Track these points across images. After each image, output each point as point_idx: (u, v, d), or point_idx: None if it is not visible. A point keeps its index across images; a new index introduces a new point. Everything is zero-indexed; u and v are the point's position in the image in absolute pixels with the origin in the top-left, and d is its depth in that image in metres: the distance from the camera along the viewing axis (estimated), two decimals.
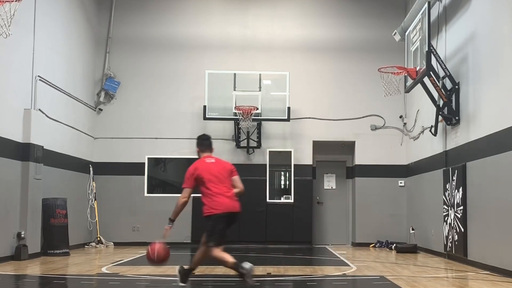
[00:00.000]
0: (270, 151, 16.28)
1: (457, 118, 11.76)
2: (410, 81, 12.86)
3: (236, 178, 8.28)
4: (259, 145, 16.16)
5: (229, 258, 7.24)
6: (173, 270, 10.01)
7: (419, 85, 12.47)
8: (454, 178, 11.72)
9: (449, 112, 11.95)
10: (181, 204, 7.56)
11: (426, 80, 12.08)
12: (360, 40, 16.54)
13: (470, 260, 10.88)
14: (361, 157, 16.41)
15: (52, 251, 12.50)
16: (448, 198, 12.12)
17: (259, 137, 16.15)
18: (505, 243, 9.31)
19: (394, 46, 15.35)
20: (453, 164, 11.93)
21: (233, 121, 15.91)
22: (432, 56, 11.60)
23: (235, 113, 15.51)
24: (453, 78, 11.85)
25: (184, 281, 7.60)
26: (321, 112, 16.46)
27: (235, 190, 8.20)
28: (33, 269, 10.19)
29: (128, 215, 15.98)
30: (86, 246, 15.11)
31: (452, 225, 11.80)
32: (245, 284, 6.99)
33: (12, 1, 8.44)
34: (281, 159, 16.29)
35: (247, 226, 15.89)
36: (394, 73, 12.81)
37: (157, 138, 16.33)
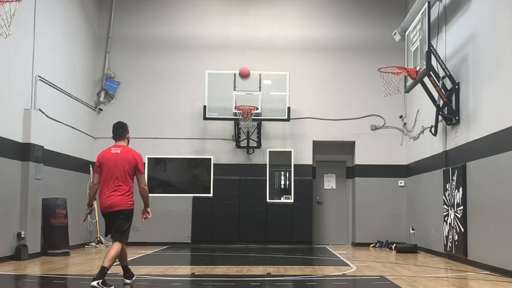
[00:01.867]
0: (270, 151, 16.28)
1: (457, 118, 11.76)
2: (410, 81, 12.87)
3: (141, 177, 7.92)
4: (259, 145, 16.16)
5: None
6: (172, 270, 10.03)
7: (419, 85, 12.47)
8: (454, 178, 11.72)
9: (449, 112, 11.95)
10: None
11: (426, 80, 12.08)
12: (360, 40, 16.54)
13: (470, 260, 10.88)
14: (361, 157, 16.41)
15: (52, 251, 12.50)
16: (448, 198, 12.12)
17: (259, 137, 16.15)
18: (505, 243, 9.31)
19: (394, 46, 15.36)
20: (453, 164, 11.93)
21: (233, 121, 15.91)
22: (432, 56, 11.60)
23: (235, 113, 15.52)
24: (453, 78, 11.85)
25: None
26: (321, 112, 16.46)
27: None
28: (33, 269, 10.19)
29: None
30: (86, 246, 15.11)
31: (452, 225, 11.80)
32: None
33: (12, 1, 8.44)
34: (281, 159, 16.29)
35: (247, 226, 15.91)
36: (394, 73, 12.81)
37: (157, 138, 16.33)
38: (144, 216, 8.22)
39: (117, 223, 7.73)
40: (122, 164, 7.68)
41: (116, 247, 7.59)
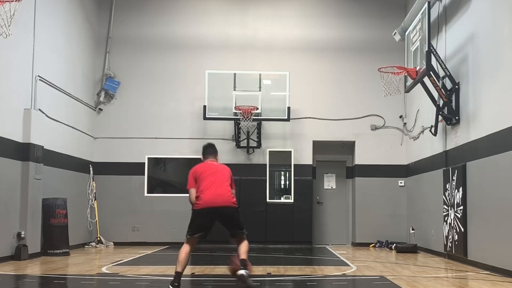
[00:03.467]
0: (270, 151, 16.28)
1: (457, 118, 11.76)
2: (410, 81, 12.87)
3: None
4: (259, 145, 16.16)
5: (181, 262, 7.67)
6: (172, 270, 10.02)
7: (419, 85, 12.47)
8: (454, 178, 11.72)
9: (449, 112, 11.95)
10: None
11: (426, 80, 12.08)
12: (360, 40, 16.54)
13: (470, 260, 10.88)
14: (361, 157, 16.41)
15: (52, 251, 12.50)
16: (448, 198, 12.12)
17: (259, 137, 16.15)
18: (505, 243, 9.31)
19: (394, 46, 15.36)
20: (453, 164, 11.93)
21: (233, 121, 15.91)
22: (432, 56, 11.60)
23: (235, 113, 15.52)
24: (453, 78, 11.85)
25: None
26: (321, 112, 16.46)
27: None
28: (33, 269, 10.19)
29: (128, 215, 15.98)
30: (86, 246, 15.11)
31: (452, 225, 11.80)
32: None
33: (12, 1, 8.44)
34: (281, 159, 16.29)
35: (247, 226, 15.72)
36: (394, 73, 12.81)
37: (157, 138, 16.32)
38: None
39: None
40: (225, 171, 7.90)
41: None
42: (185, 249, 7.75)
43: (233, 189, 7.95)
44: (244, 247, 7.93)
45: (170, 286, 7.25)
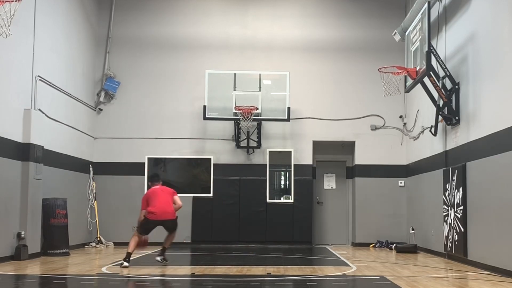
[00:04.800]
0: (270, 151, 16.28)
1: (457, 118, 11.76)
2: (410, 81, 12.86)
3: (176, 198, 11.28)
4: (259, 145, 16.16)
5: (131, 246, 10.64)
6: (172, 270, 10.03)
7: (419, 85, 12.47)
8: (454, 178, 11.72)
9: (449, 112, 11.95)
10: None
11: (426, 80, 12.08)
12: (360, 40, 16.54)
13: (470, 260, 10.88)
14: (361, 157, 16.41)
15: (52, 251, 12.49)
16: (448, 198, 12.12)
17: (259, 137, 16.15)
18: (505, 243, 9.31)
19: (394, 46, 15.36)
20: (453, 164, 11.93)
21: (233, 121, 15.91)
22: (432, 56, 11.60)
23: (235, 113, 15.52)
24: (453, 78, 11.85)
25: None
26: (321, 112, 16.47)
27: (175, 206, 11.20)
28: (33, 269, 10.19)
29: (128, 215, 15.93)
30: (86, 246, 15.11)
31: (452, 225, 11.80)
32: None
33: (12, 1, 8.44)
34: (281, 159, 16.29)
35: (247, 226, 15.91)
36: (394, 73, 12.81)
37: (157, 138, 16.32)
38: None
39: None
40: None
41: None
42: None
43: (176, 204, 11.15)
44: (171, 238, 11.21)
45: (123, 261, 10.20)
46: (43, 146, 12.36)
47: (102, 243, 15.44)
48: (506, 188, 9.28)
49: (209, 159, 16.24)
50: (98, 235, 15.55)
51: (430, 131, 12.89)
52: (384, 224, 16.05)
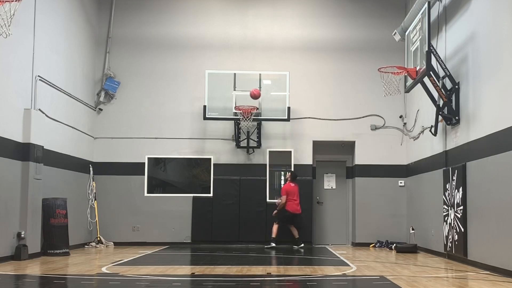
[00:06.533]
0: (270, 151, 16.28)
1: (457, 118, 11.76)
2: (410, 81, 12.86)
3: None
4: (259, 145, 16.16)
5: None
6: (172, 270, 10.03)
7: (419, 85, 12.47)
8: (454, 178, 11.72)
9: (449, 112, 11.95)
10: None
11: (426, 80, 12.08)
12: (360, 40, 16.55)
13: (470, 260, 10.88)
14: (361, 157, 16.41)
15: (52, 251, 12.50)
16: (448, 198, 12.13)
17: (259, 137, 16.15)
18: (505, 243, 9.31)
19: (394, 46, 15.36)
20: (453, 164, 11.93)
21: (233, 121, 15.92)
22: (432, 56, 11.60)
23: (235, 113, 15.53)
24: (453, 78, 11.85)
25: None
26: (321, 112, 16.47)
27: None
28: (33, 269, 10.19)
29: (128, 215, 15.98)
30: (86, 246, 15.11)
31: (452, 225, 11.80)
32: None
33: (12, 1, 8.44)
34: (281, 159, 16.30)
35: (247, 226, 15.91)
36: (394, 73, 12.81)
37: (157, 138, 16.33)
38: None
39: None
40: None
41: None
42: None
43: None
44: None
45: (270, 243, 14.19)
46: (43, 146, 12.36)
47: (102, 243, 15.44)
48: (506, 188, 9.28)
49: (209, 159, 16.24)
50: (98, 235, 15.56)
51: (430, 131, 12.90)
52: (384, 224, 16.05)
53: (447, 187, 12.15)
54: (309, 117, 16.44)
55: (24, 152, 11.72)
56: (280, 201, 15.12)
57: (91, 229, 15.51)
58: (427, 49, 11.50)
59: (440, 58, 11.87)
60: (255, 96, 14.95)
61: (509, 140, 9.19)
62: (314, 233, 16.38)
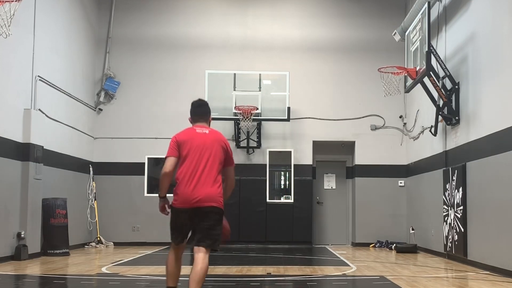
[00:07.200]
0: (270, 151, 16.27)
1: (457, 118, 11.76)
2: (410, 81, 12.86)
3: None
4: (259, 145, 16.16)
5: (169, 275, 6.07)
6: None
7: (419, 85, 12.47)
8: (454, 178, 11.72)
9: (449, 112, 11.95)
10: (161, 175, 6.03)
11: (426, 80, 12.08)
12: (360, 40, 16.54)
13: (470, 260, 10.88)
14: (361, 157, 16.41)
15: (52, 251, 12.49)
16: (448, 198, 12.12)
17: (259, 137, 16.15)
18: (505, 243, 9.31)
19: (394, 46, 15.35)
20: (453, 164, 11.93)
21: (233, 121, 15.91)
22: (432, 56, 11.60)
23: (235, 113, 15.52)
24: (453, 78, 11.85)
25: None
26: (321, 112, 16.46)
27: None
28: (33, 269, 10.19)
29: (128, 215, 15.98)
30: (86, 246, 15.11)
31: (452, 225, 11.80)
32: None
33: (12, 1, 8.44)
34: (281, 159, 16.29)
35: (247, 226, 15.90)
36: (394, 73, 12.81)
37: (157, 138, 16.32)
38: None
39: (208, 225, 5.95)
40: (215, 147, 5.82)
41: (205, 260, 6.05)
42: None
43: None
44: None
45: None
46: (43, 146, 12.36)
47: (102, 243, 15.44)
48: (506, 188, 9.28)
49: None
50: (98, 235, 15.55)
51: (430, 131, 12.89)
52: (384, 224, 16.05)
53: (447, 187, 12.15)
54: (309, 117, 16.44)
55: (24, 152, 11.72)
56: None
57: (91, 229, 15.50)
58: (427, 49, 11.50)
59: (440, 58, 11.87)
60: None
61: (509, 140, 9.19)
62: (314, 233, 16.38)
